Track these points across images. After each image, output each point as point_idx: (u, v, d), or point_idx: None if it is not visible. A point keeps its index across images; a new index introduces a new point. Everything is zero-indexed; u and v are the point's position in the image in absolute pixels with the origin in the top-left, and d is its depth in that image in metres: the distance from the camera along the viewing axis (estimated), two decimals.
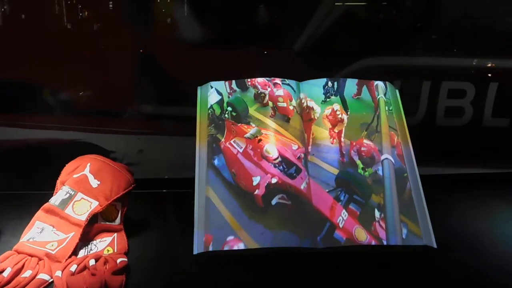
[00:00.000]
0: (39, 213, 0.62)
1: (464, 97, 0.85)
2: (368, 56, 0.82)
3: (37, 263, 0.56)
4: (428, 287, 0.57)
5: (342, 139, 0.68)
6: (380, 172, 0.66)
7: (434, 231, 0.62)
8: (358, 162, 0.66)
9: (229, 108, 0.70)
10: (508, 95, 0.85)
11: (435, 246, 0.61)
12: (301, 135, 0.68)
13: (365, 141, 0.68)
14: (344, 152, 0.67)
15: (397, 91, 0.74)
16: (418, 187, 0.66)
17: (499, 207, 0.77)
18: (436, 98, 0.84)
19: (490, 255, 0.63)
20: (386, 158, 0.67)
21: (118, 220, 0.65)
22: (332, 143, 0.68)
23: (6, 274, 0.54)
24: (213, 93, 0.72)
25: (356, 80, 0.73)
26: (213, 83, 0.73)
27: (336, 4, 0.80)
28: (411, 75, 0.83)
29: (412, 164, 0.68)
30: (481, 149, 0.87)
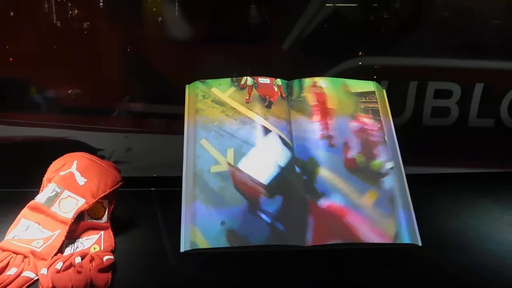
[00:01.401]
0: (25, 210, 0.62)
1: (450, 98, 0.86)
2: (355, 56, 0.83)
3: (22, 261, 0.56)
4: (413, 285, 0.58)
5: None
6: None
7: (419, 230, 0.63)
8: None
9: None
10: (493, 95, 0.87)
11: (420, 244, 0.62)
12: (287, 125, 0.64)
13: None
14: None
15: (384, 91, 0.75)
16: (404, 186, 0.66)
17: (484, 206, 0.78)
18: (423, 98, 0.85)
19: (475, 253, 0.64)
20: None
21: (105, 218, 0.65)
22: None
23: None
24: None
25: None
26: (201, 81, 0.73)
27: (326, 5, 0.80)
28: (398, 75, 0.84)
29: (398, 163, 0.68)
30: (467, 149, 0.88)
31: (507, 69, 0.86)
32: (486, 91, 0.86)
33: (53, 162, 0.67)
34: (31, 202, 0.62)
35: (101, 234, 0.63)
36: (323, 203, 0.63)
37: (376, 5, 0.82)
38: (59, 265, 0.54)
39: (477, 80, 0.85)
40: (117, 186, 0.67)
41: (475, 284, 0.58)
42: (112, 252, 0.61)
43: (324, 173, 0.65)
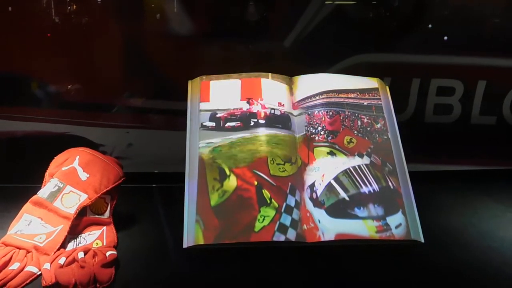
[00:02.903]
0: (27, 205, 0.62)
1: (453, 95, 0.86)
2: (358, 53, 0.82)
3: (25, 256, 0.56)
4: (415, 281, 0.58)
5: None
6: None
7: (422, 226, 0.63)
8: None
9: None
10: (496, 93, 0.87)
11: (422, 240, 0.62)
12: (290, 118, 0.68)
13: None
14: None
15: (387, 88, 0.75)
16: (407, 183, 0.67)
17: (486, 203, 0.78)
18: (425, 96, 0.85)
19: (476, 250, 0.64)
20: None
21: (107, 213, 0.64)
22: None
23: None
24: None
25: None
26: (203, 77, 0.73)
27: (326, 2, 0.80)
28: (401, 73, 0.84)
29: (401, 160, 0.68)
30: (469, 146, 0.88)
31: (510, 67, 0.86)
32: (489, 89, 0.86)
33: (55, 157, 0.67)
34: (34, 197, 0.62)
35: (103, 230, 0.62)
36: (325, 200, 0.63)
37: (376, 2, 0.82)
38: (62, 260, 0.54)
39: (479, 78, 0.85)
40: (120, 181, 0.66)
41: (476, 281, 0.58)
42: (115, 247, 0.60)
43: (327, 169, 0.65)
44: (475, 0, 0.84)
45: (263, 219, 0.61)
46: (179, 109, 0.73)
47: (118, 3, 0.79)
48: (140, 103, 0.84)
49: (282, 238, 0.60)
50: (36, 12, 0.76)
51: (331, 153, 0.67)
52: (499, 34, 0.84)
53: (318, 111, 0.70)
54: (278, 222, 0.61)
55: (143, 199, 0.76)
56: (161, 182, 0.81)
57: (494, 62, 0.85)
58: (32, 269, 0.54)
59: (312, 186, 0.64)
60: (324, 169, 0.65)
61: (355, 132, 0.69)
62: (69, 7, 0.76)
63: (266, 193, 0.63)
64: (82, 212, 0.62)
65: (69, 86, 0.81)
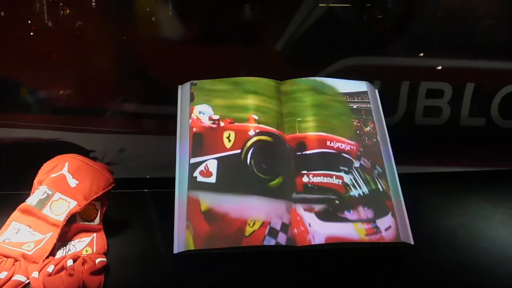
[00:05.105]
0: (15, 213, 0.61)
1: (442, 97, 0.87)
2: (348, 57, 0.83)
3: (13, 264, 0.55)
4: (405, 283, 0.58)
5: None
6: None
7: (411, 228, 0.63)
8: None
9: None
10: (484, 95, 0.88)
11: (412, 242, 0.63)
12: (279, 124, 0.68)
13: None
14: None
15: (376, 91, 0.76)
16: (396, 185, 0.67)
17: (475, 204, 0.78)
18: (415, 98, 0.86)
19: (466, 251, 0.64)
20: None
21: (97, 220, 0.64)
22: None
23: None
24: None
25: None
26: (194, 82, 0.73)
27: (319, 5, 0.80)
28: (391, 76, 0.85)
29: (390, 162, 0.69)
30: (458, 148, 0.89)
31: (497, 69, 0.87)
32: (477, 91, 0.87)
33: (44, 164, 0.67)
34: (22, 205, 0.62)
35: (93, 237, 0.62)
36: (315, 203, 0.63)
37: (369, 5, 0.83)
38: (50, 268, 0.54)
39: (468, 80, 0.86)
40: (110, 187, 0.66)
41: (466, 282, 0.58)
42: (105, 254, 0.60)
43: (316, 172, 0.65)
44: (464, 3, 0.84)
45: (254, 224, 0.61)
46: (171, 113, 0.73)
47: (111, 7, 0.79)
48: (132, 108, 0.83)
49: (272, 242, 0.60)
50: (28, 16, 0.76)
51: None
52: (486, 37, 0.85)
53: None
54: (268, 227, 0.61)
55: (134, 204, 0.76)
56: (152, 187, 0.81)
57: (481, 65, 0.86)
58: (20, 277, 0.53)
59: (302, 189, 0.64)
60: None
61: None
62: (62, 11, 0.76)
63: None
64: (72, 219, 0.61)
65: (60, 92, 0.81)
